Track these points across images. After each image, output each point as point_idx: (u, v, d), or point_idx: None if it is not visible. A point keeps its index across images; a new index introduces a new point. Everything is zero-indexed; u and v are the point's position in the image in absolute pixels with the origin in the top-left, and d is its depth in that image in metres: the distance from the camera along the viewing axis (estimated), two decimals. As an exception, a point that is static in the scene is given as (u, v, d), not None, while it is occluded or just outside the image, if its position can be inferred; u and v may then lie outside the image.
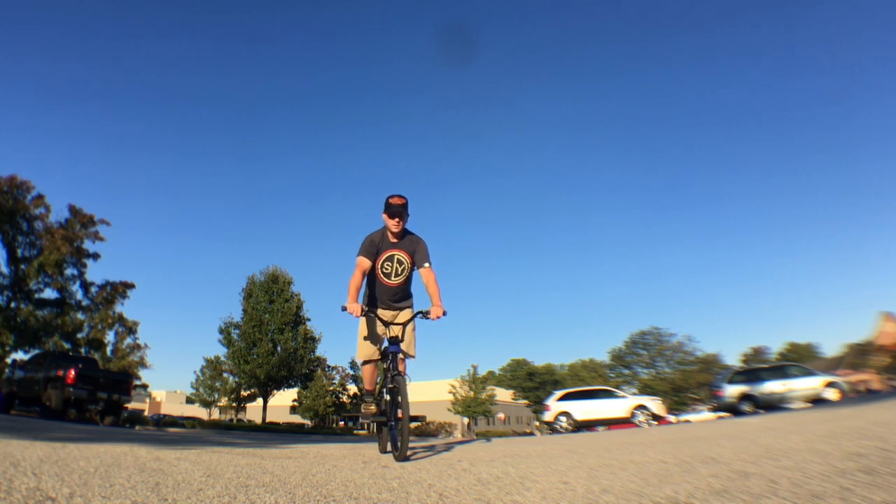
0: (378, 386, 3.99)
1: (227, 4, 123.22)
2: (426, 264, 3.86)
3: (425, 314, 3.73)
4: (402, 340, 3.71)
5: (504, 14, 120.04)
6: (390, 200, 3.84)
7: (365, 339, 3.94)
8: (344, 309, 3.58)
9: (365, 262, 3.83)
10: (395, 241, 3.92)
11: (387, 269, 3.94)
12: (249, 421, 36.87)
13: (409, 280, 4.05)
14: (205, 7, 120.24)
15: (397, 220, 3.82)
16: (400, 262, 3.95)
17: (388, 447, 3.74)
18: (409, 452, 3.27)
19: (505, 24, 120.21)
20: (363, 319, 3.95)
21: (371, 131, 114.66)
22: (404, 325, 3.81)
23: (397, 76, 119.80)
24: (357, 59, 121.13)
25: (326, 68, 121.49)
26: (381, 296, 4.02)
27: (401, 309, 4.06)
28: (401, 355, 3.63)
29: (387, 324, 3.78)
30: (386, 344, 3.84)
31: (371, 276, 4.00)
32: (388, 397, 3.59)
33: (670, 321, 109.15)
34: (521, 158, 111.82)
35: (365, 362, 4.02)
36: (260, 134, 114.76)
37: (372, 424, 4.71)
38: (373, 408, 3.92)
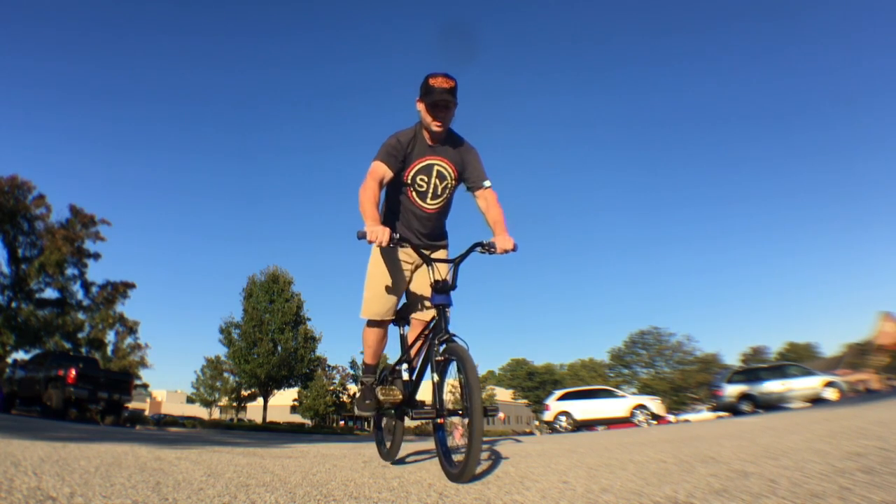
0: (396, 360, 2.87)
1: (228, 1, 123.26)
2: (486, 183, 2.64)
3: (488, 248, 2.47)
4: (453, 287, 2.39)
5: (505, 12, 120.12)
6: (431, 82, 2.48)
7: (388, 290, 2.68)
8: (362, 236, 2.27)
9: (382, 170, 2.53)
10: (433, 144, 2.63)
11: (421, 184, 2.65)
12: (250, 420, 36.89)
13: (449, 206, 2.79)
14: (205, 4, 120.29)
15: (442, 114, 2.51)
16: (441, 176, 2.65)
17: (393, 450, 2.90)
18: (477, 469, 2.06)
19: (506, 22, 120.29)
20: (376, 252, 2.70)
21: (372, 128, 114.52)
22: (454, 264, 2.46)
23: (398, 73, 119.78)
24: (358, 55, 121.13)
25: (327, 65, 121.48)
26: (409, 224, 2.72)
27: (434, 249, 2.77)
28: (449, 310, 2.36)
29: (428, 261, 2.43)
30: (404, 300, 2.81)
31: (395, 195, 2.72)
32: (434, 377, 2.36)
33: (670, 321, 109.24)
34: (520, 157, 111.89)
35: (372, 322, 2.74)
36: (261, 132, 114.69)
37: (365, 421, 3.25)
38: (396, 392, 2.70)
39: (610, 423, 16.17)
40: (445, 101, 2.48)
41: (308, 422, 41.63)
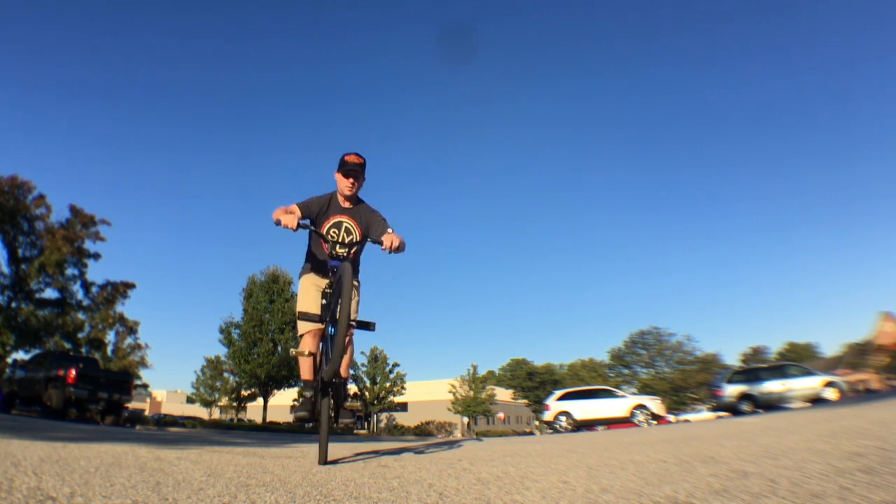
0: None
1: (228, 1, 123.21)
2: (389, 230, 3.24)
3: (376, 241, 3.14)
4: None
5: (505, 13, 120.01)
6: (346, 158, 3.35)
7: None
8: (277, 223, 3.01)
9: (294, 208, 3.25)
10: (346, 206, 3.42)
11: (333, 236, 3.39)
12: (250, 420, 36.86)
13: (356, 258, 3.46)
14: (204, 5, 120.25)
15: (352, 180, 3.33)
16: (348, 231, 3.39)
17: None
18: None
19: (505, 22, 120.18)
20: (303, 279, 3.43)
21: (370, 129, 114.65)
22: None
23: (397, 74, 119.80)
24: (357, 56, 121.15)
25: (326, 65, 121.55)
26: (321, 266, 3.43)
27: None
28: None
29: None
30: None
31: (314, 244, 3.51)
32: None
33: (670, 321, 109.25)
34: (520, 157, 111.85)
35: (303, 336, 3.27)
36: (260, 132, 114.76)
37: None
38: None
39: (610, 423, 16.15)
40: (356, 171, 3.33)
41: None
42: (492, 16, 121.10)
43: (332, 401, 3.15)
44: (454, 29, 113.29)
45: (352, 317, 3.06)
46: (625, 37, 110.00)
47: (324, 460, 2.91)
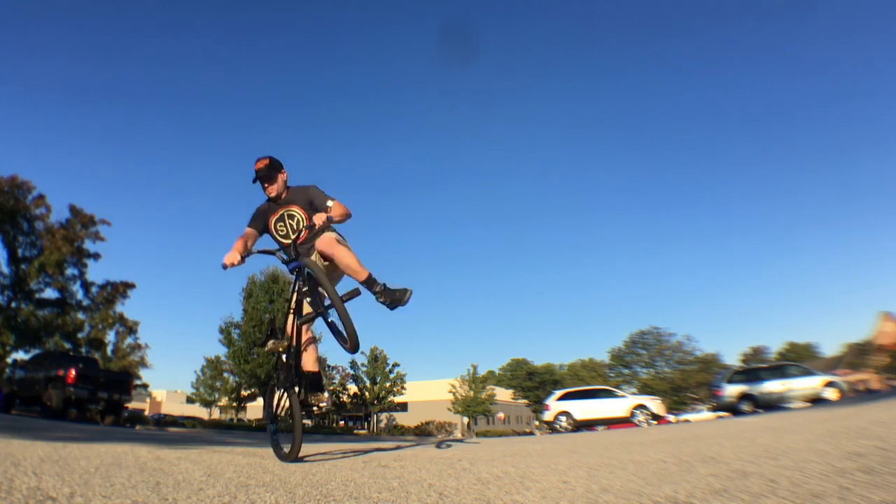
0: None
1: (227, 1, 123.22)
2: (329, 203, 3.34)
3: (310, 227, 3.34)
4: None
5: (505, 13, 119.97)
6: (255, 167, 3.50)
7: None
8: (224, 267, 3.16)
9: (248, 232, 3.48)
10: (279, 201, 3.56)
11: (282, 230, 3.53)
12: (250, 421, 36.86)
13: (314, 237, 3.48)
14: (205, 4, 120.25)
15: (266, 185, 3.49)
16: (291, 216, 3.52)
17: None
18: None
19: (506, 22, 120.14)
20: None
21: (371, 129, 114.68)
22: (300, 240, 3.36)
23: (398, 74, 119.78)
24: (357, 56, 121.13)
25: (327, 65, 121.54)
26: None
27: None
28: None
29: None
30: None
31: (273, 244, 3.63)
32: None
33: (670, 321, 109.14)
34: (521, 157, 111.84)
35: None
36: (260, 131, 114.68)
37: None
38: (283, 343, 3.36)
39: (610, 423, 16.16)
40: (266, 176, 3.47)
41: (308, 422, 41.62)
42: (493, 16, 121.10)
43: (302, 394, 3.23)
44: (455, 29, 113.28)
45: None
46: (625, 37, 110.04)
47: (294, 457, 2.94)
